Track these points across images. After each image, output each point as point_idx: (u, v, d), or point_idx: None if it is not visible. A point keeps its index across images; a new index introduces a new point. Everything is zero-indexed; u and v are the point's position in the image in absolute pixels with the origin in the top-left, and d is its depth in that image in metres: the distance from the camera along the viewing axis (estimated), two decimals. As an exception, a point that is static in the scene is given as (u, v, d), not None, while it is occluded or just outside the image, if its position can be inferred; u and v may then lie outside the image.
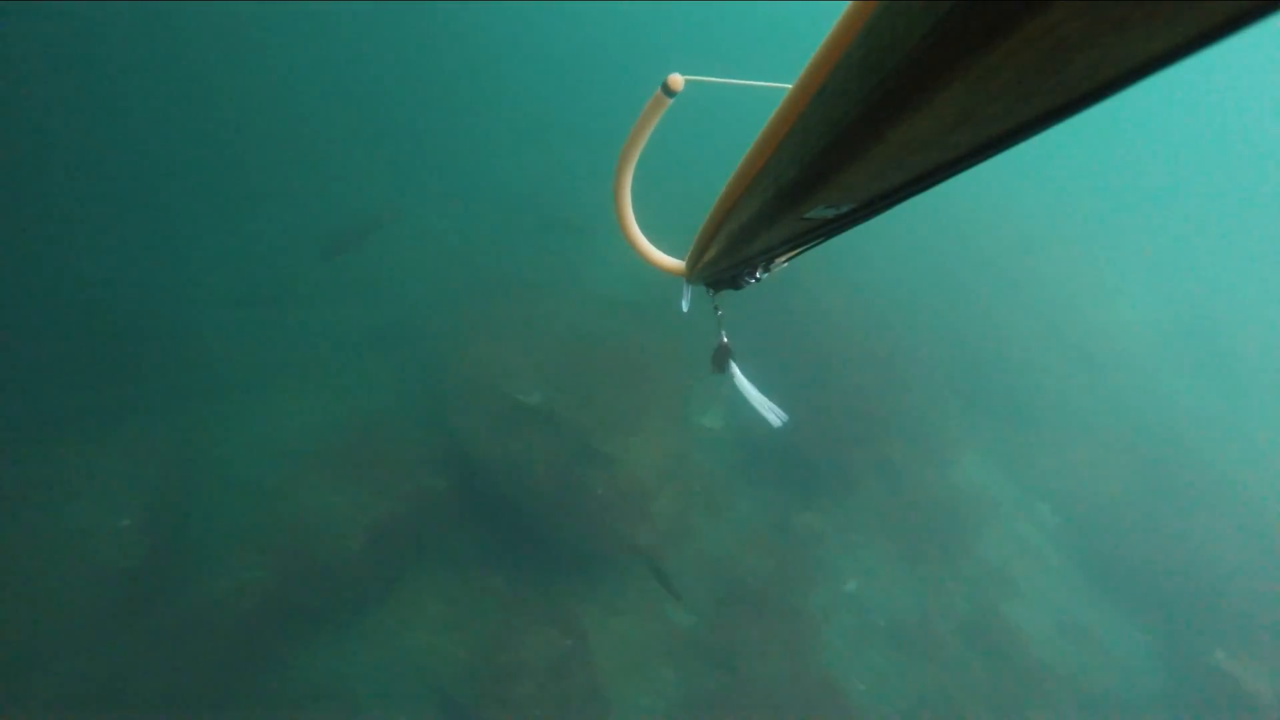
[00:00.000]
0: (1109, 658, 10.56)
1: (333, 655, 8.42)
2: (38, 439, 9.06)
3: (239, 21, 18.16)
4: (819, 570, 10.30)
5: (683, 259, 2.07)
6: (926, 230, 18.01)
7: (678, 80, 1.67)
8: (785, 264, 1.51)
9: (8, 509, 8.29)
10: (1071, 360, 15.35)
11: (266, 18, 18.95)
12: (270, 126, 17.96)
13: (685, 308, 2.26)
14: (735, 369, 2.15)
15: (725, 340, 2.16)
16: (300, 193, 15.43)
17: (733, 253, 1.46)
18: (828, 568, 10.38)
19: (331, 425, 9.76)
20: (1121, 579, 11.49)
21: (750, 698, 8.96)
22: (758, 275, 1.61)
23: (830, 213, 0.95)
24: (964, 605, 10.33)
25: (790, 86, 1.73)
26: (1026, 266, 18.15)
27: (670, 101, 1.74)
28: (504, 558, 9.26)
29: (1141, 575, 11.50)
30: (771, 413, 2.15)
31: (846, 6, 0.61)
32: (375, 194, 16.00)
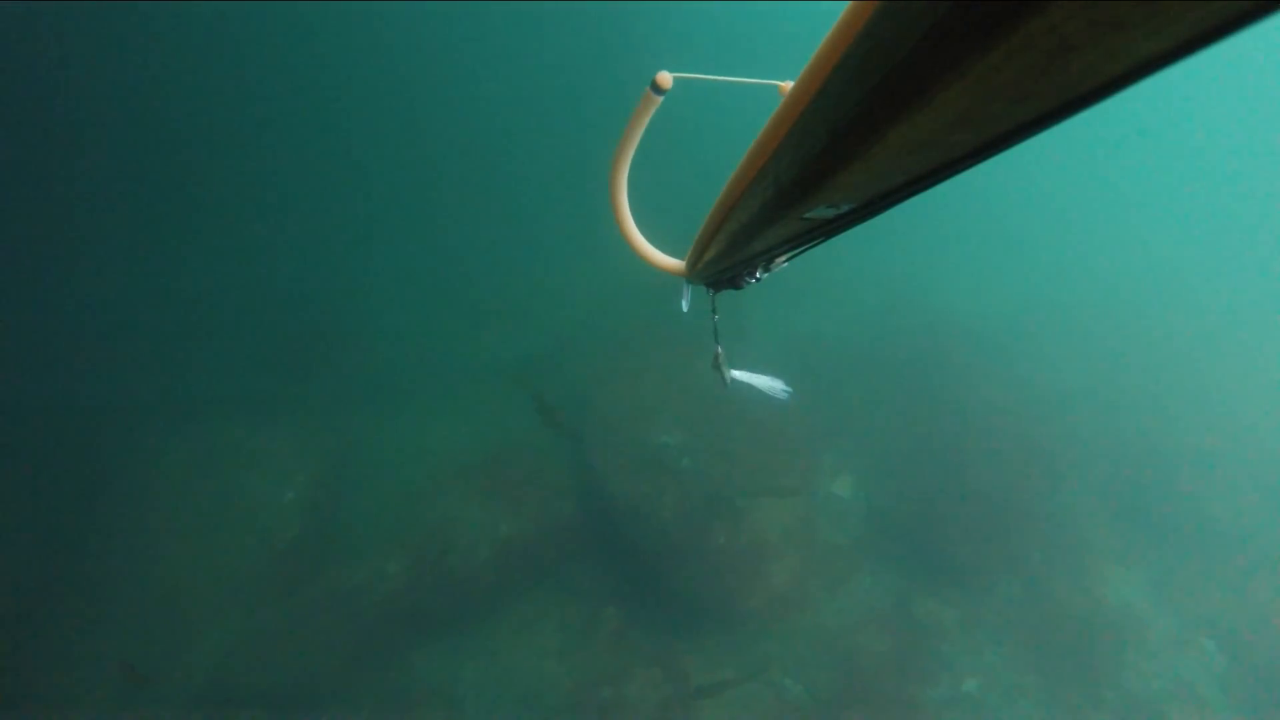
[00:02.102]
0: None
1: (447, 660, 8.79)
2: (229, 415, 10.14)
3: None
4: (939, 663, 9.71)
5: (683, 259, 2.02)
6: (1093, 317, 16.87)
7: (666, 78, 1.66)
8: (785, 264, 1.48)
9: (199, 472, 9.32)
10: (1260, 484, 13.74)
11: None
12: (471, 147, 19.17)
13: (685, 308, 2.22)
14: (730, 373, 2.11)
15: (720, 350, 2.11)
16: (490, 214, 16.39)
17: (733, 253, 1.43)
18: (948, 663, 9.76)
19: (477, 443, 10.30)
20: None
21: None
22: (758, 275, 1.59)
23: (830, 213, 0.94)
24: (1102, 735, 9.39)
25: (777, 84, 1.72)
26: (1212, 367, 16.51)
27: (660, 100, 1.72)
28: (619, 593, 9.37)
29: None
30: (776, 391, 2.13)
31: (846, 6, 0.59)
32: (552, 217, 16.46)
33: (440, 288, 14.06)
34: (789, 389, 2.14)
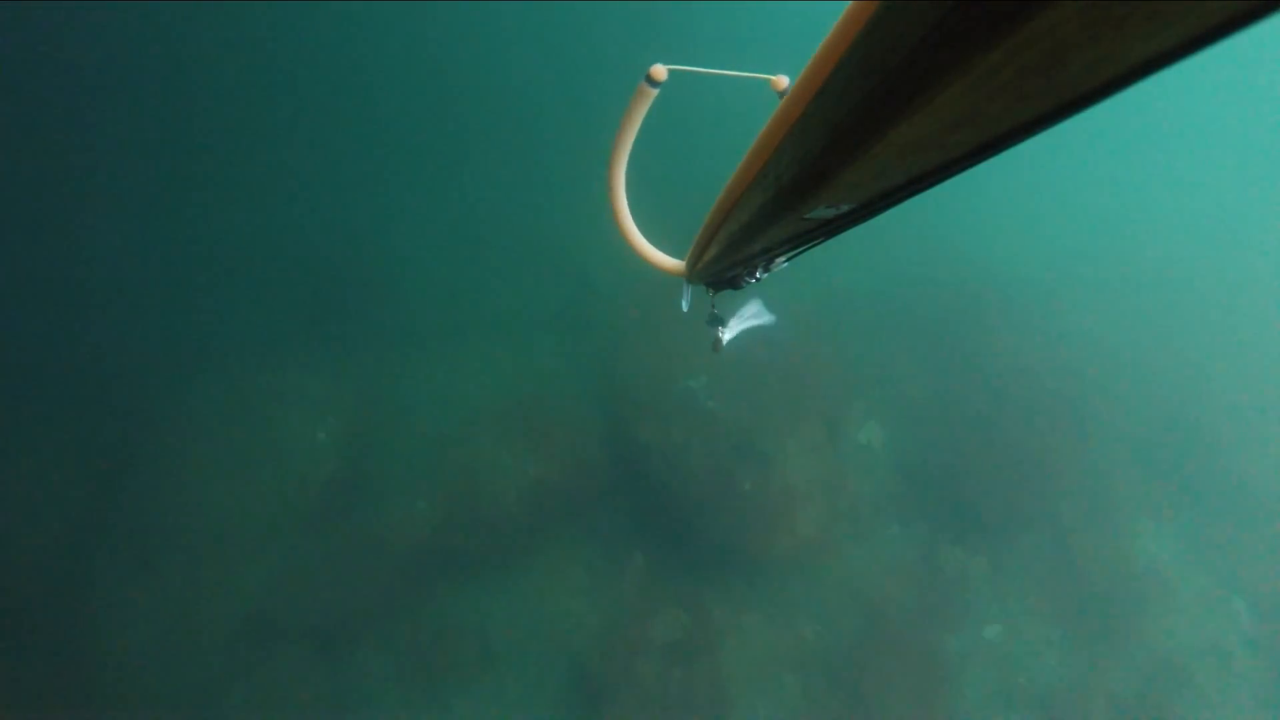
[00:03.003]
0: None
1: (477, 597, 9.01)
2: (263, 358, 10.28)
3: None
4: (962, 611, 9.77)
5: (683, 259, 2.03)
6: (1136, 274, 16.37)
7: (661, 70, 1.65)
8: (785, 264, 1.47)
9: (236, 414, 9.50)
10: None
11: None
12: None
13: (685, 308, 2.22)
14: (725, 338, 2.15)
15: (720, 337, 2.15)
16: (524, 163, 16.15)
17: (733, 253, 1.43)
18: (972, 611, 9.82)
19: (509, 388, 10.35)
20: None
21: (872, 730, 8.71)
22: (758, 275, 1.58)
23: (830, 213, 0.94)
24: (1126, 691, 9.41)
25: (771, 78, 1.74)
26: (1256, 328, 15.99)
27: (655, 93, 1.71)
28: (647, 537, 9.49)
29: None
30: (764, 318, 2.17)
31: (846, 6, 0.59)
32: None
33: (474, 233, 13.98)
34: (772, 316, 2.17)
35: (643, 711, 8.29)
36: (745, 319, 2.22)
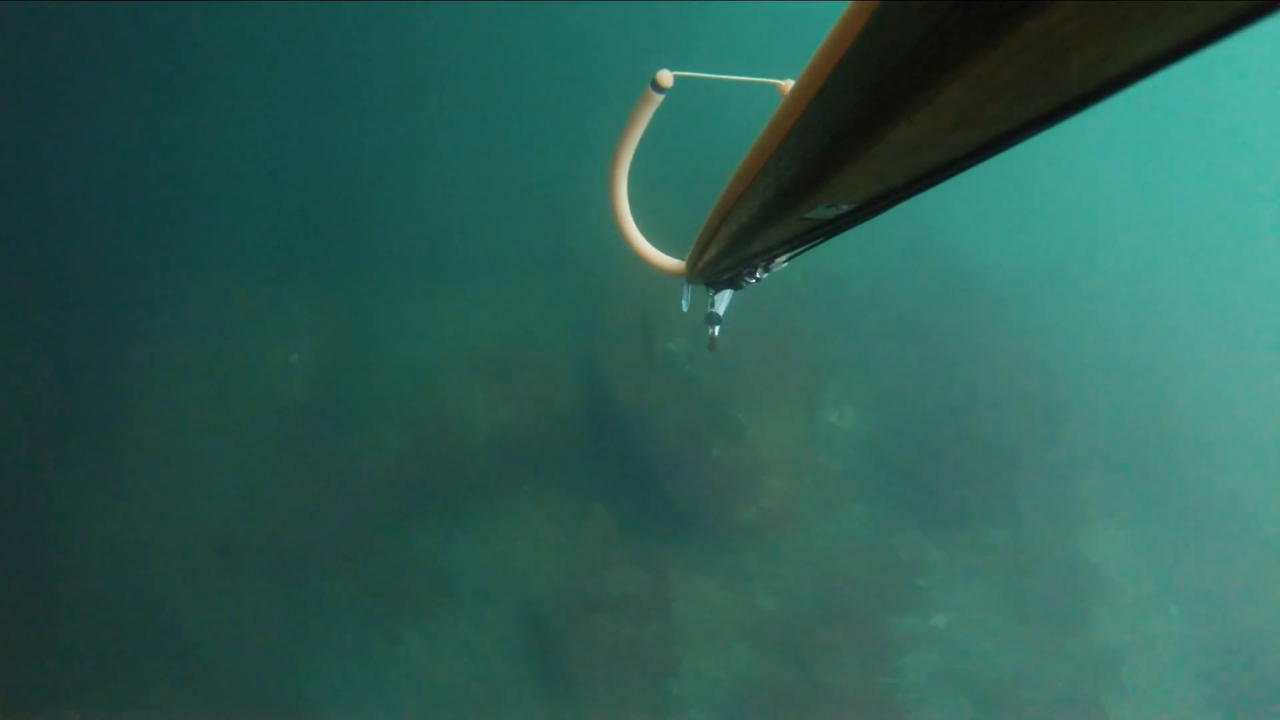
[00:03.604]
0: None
1: (438, 534, 9.06)
2: (242, 272, 10.07)
3: None
4: (913, 595, 9.98)
5: (683, 259, 2.03)
6: (1121, 278, 16.42)
7: (667, 76, 1.68)
8: (785, 264, 1.48)
9: (205, 327, 9.34)
10: (1255, 458, 13.74)
11: None
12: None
13: (685, 308, 2.25)
14: (716, 331, 2.17)
15: (714, 333, 2.16)
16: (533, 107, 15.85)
17: (733, 253, 1.44)
18: (922, 596, 10.04)
19: (486, 329, 10.24)
20: (1252, 713, 10.40)
21: (811, 699, 8.94)
22: (758, 275, 1.59)
23: (830, 213, 0.94)
24: (1059, 683, 9.73)
25: (777, 82, 1.74)
26: (1237, 341, 16.20)
27: (660, 98, 1.73)
28: (611, 493, 9.54)
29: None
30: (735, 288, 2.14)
31: (846, 6, 0.59)
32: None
33: (465, 171, 13.69)
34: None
35: (589, 662, 8.44)
36: (725, 295, 2.19)
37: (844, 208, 0.91)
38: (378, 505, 9.01)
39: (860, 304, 12.73)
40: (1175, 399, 13.39)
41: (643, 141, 1.96)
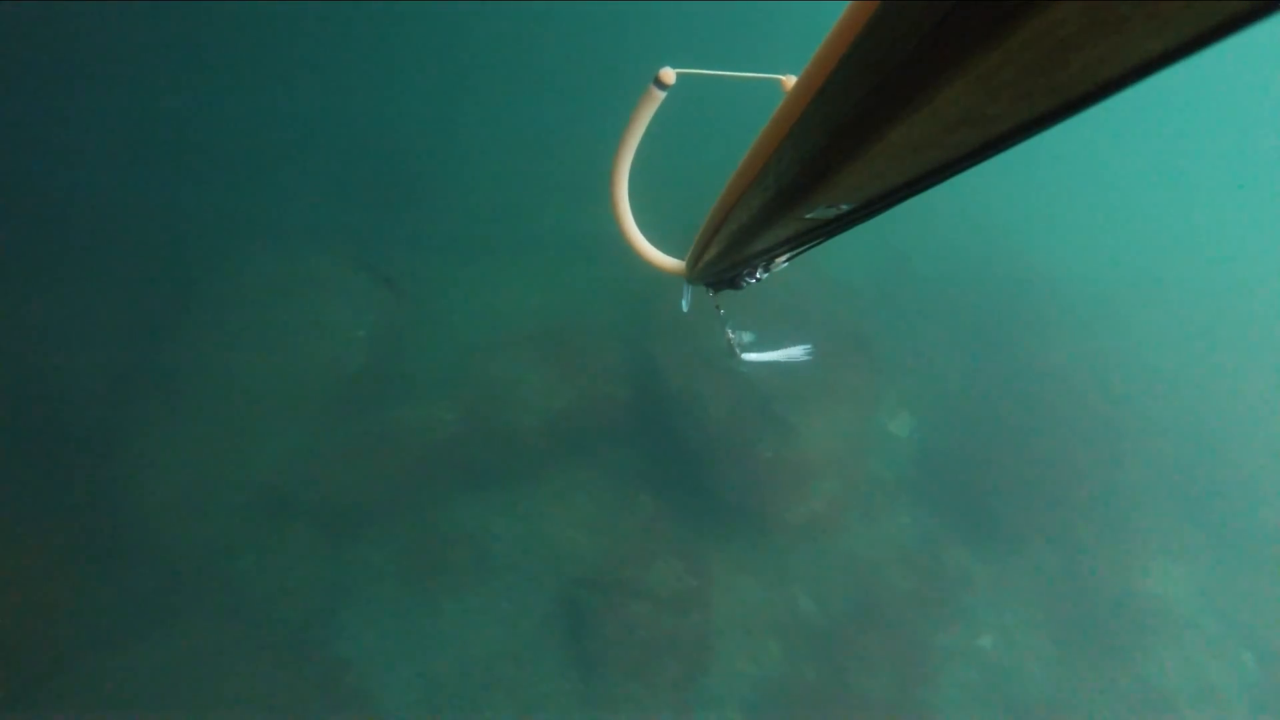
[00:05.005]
0: None
1: (484, 510, 9.17)
2: (315, 244, 10.40)
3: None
4: (958, 613, 9.72)
5: (683, 259, 2.03)
6: (1190, 299, 15.71)
7: (669, 74, 1.66)
8: (785, 264, 1.47)
9: (281, 293, 9.65)
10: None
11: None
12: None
13: (686, 308, 2.25)
14: (746, 355, 2.14)
15: (730, 336, 2.13)
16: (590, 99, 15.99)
17: (733, 253, 1.44)
18: (968, 614, 9.77)
19: (544, 311, 10.35)
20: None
21: (844, 706, 8.77)
22: (758, 275, 1.58)
23: (830, 213, 0.94)
24: (1110, 718, 9.34)
25: (780, 78, 1.73)
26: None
27: (663, 96, 1.71)
28: (658, 481, 9.53)
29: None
30: (796, 356, 2.19)
31: (846, 6, 0.58)
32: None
33: (536, 153, 13.85)
34: (808, 352, 2.16)
35: (624, 649, 8.43)
36: (776, 354, 2.22)
37: (844, 208, 0.91)
38: (426, 476, 9.17)
39: (922, 313, 12.43)
40: (1257, 431, 12.71)
41: (647, 139, 1.95)
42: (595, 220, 12.47)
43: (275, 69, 14.35)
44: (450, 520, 9.06)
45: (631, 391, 9.81)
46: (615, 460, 9.64)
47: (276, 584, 8.42)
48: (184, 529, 8.44)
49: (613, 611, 8.62)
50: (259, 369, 9.29)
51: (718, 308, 2.09)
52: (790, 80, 1.72)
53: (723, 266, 1.64)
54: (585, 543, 9.12)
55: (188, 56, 13.98)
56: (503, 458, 9.21)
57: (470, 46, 17.69)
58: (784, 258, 1.41)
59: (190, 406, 9.06)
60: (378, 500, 8.96)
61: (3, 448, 8.24)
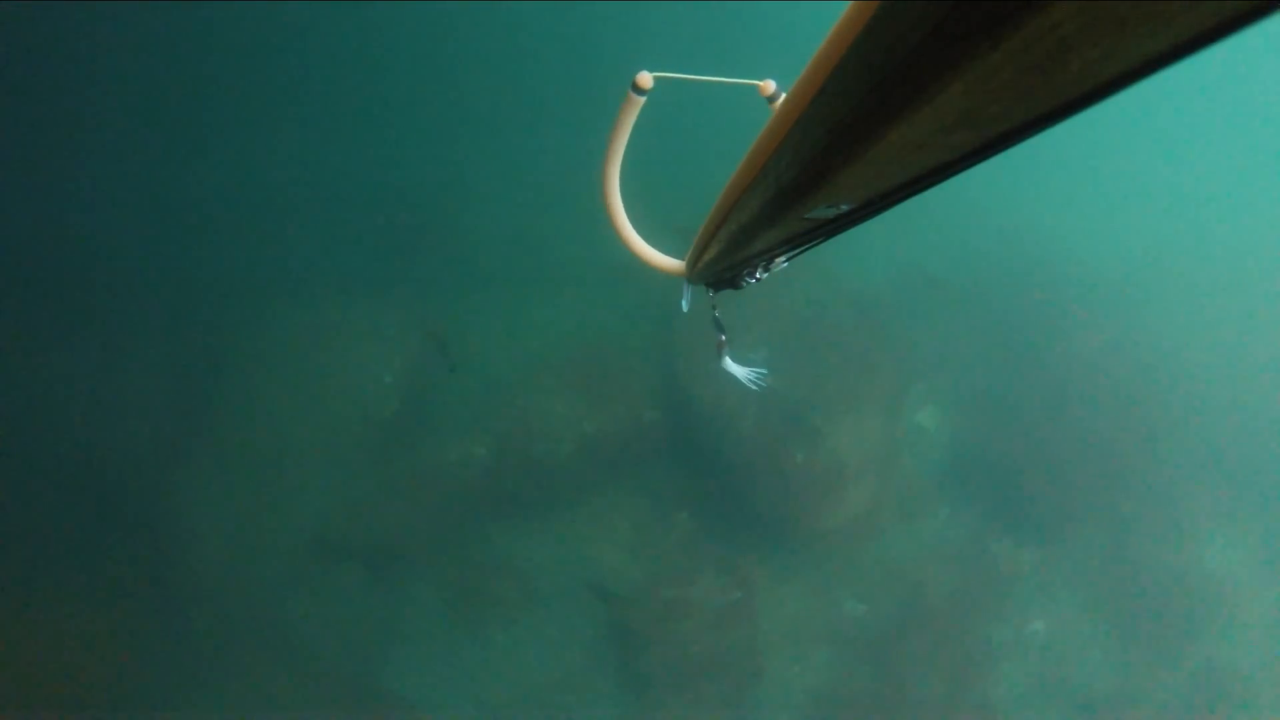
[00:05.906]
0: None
1: (525, 540, 9.27)
2: (338, 293, 10.58)
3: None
4: (1008, 603, 9.59)
5: (682, 259, 2.04)
6: (1226, 278, 15.32)
7: (646, 78, 1.68)
8: (785, 264, 1.48)
9: (310, 345, 9.88)
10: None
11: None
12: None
13: (685, 308, 2.24)
14: (724, 363, 2.19)
15: (723, 338, 2.15)
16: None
17: (733, 253, 1.45)
18: (1018, 603, 9.63)
19: (570, 339, 10.42)
20: None
21: (899, 707, 8.71)
22: (758, 275, 1.59)
23: (830, 213, 0.94)
24: (1175, 701, 9.12)
25: (757, 83, 1.78)
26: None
27: (643, 100, 1.74)
28: (694, 499, 9.55)
29: None
30: (751, 382, 2.25)
31: (846, 6, 0.58)
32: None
33: (549, 182, 14.00)
34: (762, 380, 2.24)
35: (674, 667, 8.47)
36: (740, 370, 2.28)
37: (844, 208, 0.91)
38: (466, 511, 9.30)
39: (945, 301, 12.31)
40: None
41: (639, 142, 2.02)
42: (610, 245, 12.59)
43: (277, 129, 14.73)
44: (492, 552, 9.18)
45: (660, 411, 9.86)
46: (650, 480, 9.70)
47: (328, 626, 8.60)
48: (234, 575, 8.66)
49: (660, 631, 8.67)
50: (296, 420, 9.50)
51: (714, 308, 2.11)
52: (768, 84, 1.78)
53: (723, 266, 1.65)
54: (627, 564, 9.18)
55: (210, 110, 14.41)
56: (539, 487, 9.31)
57: (489, 79, 17.96)
58: (784, 258, 1.43)
59: (236, 458, 9.30)
60: (421, 538, 9.12)
61: (64, 518, 8.55)
